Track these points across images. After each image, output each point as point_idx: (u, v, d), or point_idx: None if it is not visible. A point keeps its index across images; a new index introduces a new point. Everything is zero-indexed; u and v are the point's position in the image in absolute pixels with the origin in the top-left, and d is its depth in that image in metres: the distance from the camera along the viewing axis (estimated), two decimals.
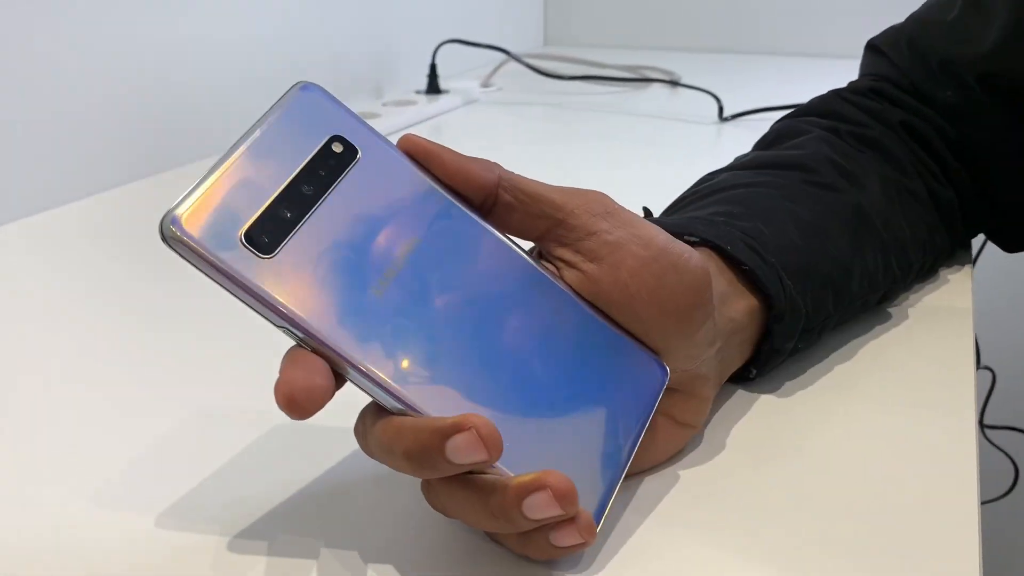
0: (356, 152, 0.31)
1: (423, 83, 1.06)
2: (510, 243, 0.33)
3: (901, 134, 0.52)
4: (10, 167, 0.67)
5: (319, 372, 0.28)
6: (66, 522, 0.33)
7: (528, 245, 0.34)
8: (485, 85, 1.14)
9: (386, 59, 1.11)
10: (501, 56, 1.15)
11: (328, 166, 0.30)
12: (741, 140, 0.56)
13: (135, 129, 0.77)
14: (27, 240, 0.64)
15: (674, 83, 1.12)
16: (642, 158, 0.87)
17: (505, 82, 1.17)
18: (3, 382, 0.43)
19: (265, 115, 0.30)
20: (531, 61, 1.15)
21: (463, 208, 0.32)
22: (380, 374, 0.28)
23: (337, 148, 0.31)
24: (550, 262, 0.34)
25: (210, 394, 0.43)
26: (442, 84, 1.06)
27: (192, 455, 0.38)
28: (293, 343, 0.29)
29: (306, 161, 0.30)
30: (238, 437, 0.39)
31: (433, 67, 1.05)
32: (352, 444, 0.37)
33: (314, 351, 0.28)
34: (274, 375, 0.28)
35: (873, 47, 0.58)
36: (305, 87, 0.31)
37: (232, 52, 0.87)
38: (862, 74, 0.59)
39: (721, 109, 0.99)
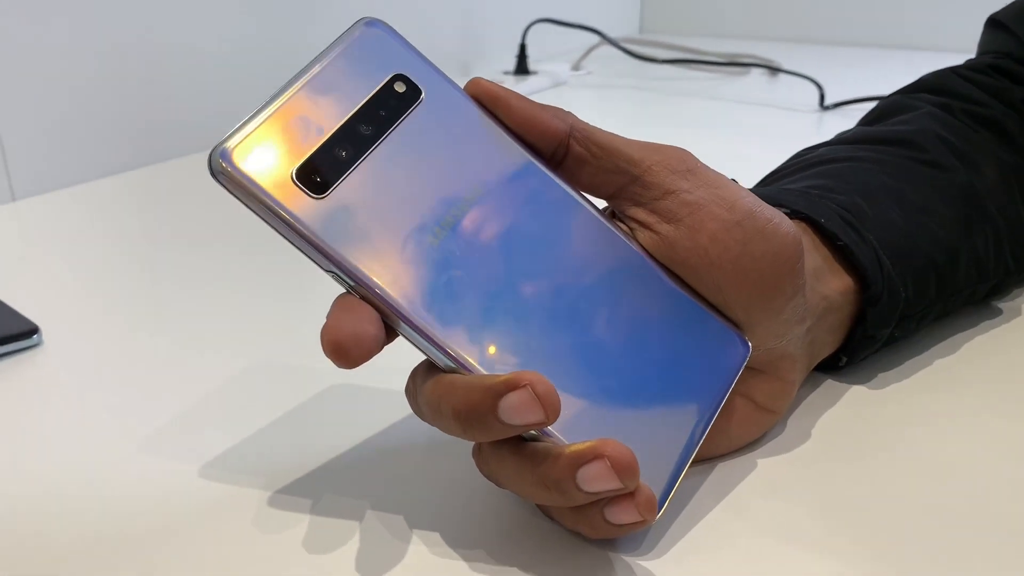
0: (420, 92, 0.29)
1: (512, 63, 1.04)
2: (580, 198, 0.31)
3: None
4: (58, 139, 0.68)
5: (368, 319, 0.26)
6: (110, 467, 0.33)
7: (602, 204, 0.32)
8: (575, 68, 1.11)
9: (475, 37, 1.10)
10: (593, 41, 1.13)
11: (389, 106, 0.28)
12: (843, 130, 0.52)
13: (184, 105, 0.78)
14: (82, 205, 0.65)
15: (774, 69, 1.08)
16: (737, 145, 0.83)
17: (597, 66, 1.14)
18: (61, 332, 0.43)
19: (326, 50, 0.28)
20: (625, 44, 1.12)
21: (531, 158, 0.30)
22: (430, 327, 0.27)
23: (400, 87, 0.29)
24: (623, 222, 0.31)
25: (265, 349, 0.42)
26: (531, 66, 1.05)
27: (242, 409, 0.36)
28: (343, 290, 0.27)
29: (366, 99, 0.28)
30: (291, 394, 0.37)
31: (522, 47, 1.03)
32: (407, 408, 0.35)
33: (363, 299, 0.27)
34: None
35: (995, 22, 0.53)
36: (370, 23, 0.29)
37: (322, 29, 0.87)
38: (981, 52, 0.54)
39: (823, 97, 0.94)
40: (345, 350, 0.25)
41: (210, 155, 0.26)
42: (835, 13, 1.39)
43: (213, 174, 0.26)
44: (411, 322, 0.27)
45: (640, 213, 0.31)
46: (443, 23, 1.04)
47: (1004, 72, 0.50)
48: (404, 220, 0.27)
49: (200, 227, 0.59)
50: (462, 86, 0.30)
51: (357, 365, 0.26)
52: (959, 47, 0.69)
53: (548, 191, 0.30)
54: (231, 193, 0.26)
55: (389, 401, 0.36)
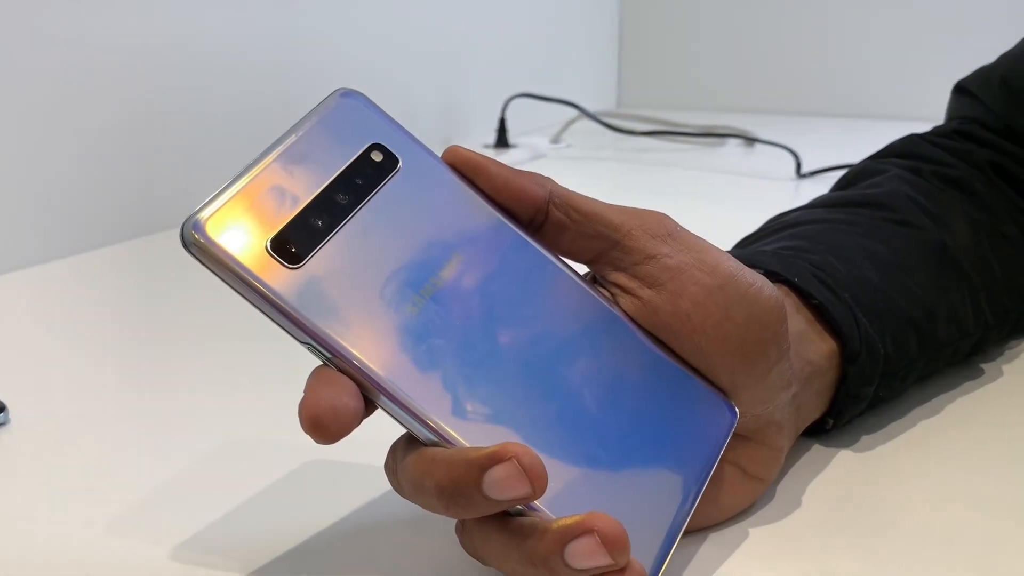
0: (396, 162, 0.29)
1: (492, 137, 1.05)
2: (561, 264, 0.30)
3: (990, 175, 0.48)
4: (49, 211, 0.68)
5: (347, 392, 0.25)
6: (77, 549, 0.31)
7: (583, 269, 0.32)
8: (555, 141, 1.13)
9: (456, 113, 1.11)
10: (572, 115, 1.14)
11: (366, 175, 0.28)
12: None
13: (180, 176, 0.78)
14: (54, 282, 0.64)
15: (751, 139, 1.09)
16: (716, 215, 0.83)
17: (576, 139, 1.16)
18: (29, 410, 0.42)
19: (302, 120, 0.28)
20: (603, 118, 1.13)
21: (511, 225, 0.30)
22: (410, 399, 0.26)
23: (376, 157, 0.29)
24: (604, 287, 0.31)
25: (240, 425, 0.41)
26: (511, 139, 1.06)
27: (216, 487, 0.35)
28: (320, 363, 0.27)
29: (342, 169, 0.28)
30: (266, 471, 0.36)
31: (502, 121, 1.05)
32: (386, 485, 0.34)
33: (341, 371, 0.26)
34: None
35: (961, 89, 0.54)
36: (346, 93, 0.29)
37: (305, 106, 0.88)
38: (949, 117, 0.55)
39: (799, 165, 0.95)
40: (324, 425, 0.25)
41: (182, 226, 0.26)
42: (809, 84, 1.42)
43: (185, 246, 0.26)
44: (391, 394, 0.26)
45: (621, 278, 0.31)
46: (424, 99, 1.06)
47: (968, 136, 0.51)
48: (382, 290, 0.27)
49: (172, 303, 0.58)
50: (440, 155, 0.30)
51: (336, 440, 0.25)
52: (933, 116, 0.71)
53: (528, 258, 0.30)
54: (204, 265, 0.26)
55: (368, 477, 0.35)
